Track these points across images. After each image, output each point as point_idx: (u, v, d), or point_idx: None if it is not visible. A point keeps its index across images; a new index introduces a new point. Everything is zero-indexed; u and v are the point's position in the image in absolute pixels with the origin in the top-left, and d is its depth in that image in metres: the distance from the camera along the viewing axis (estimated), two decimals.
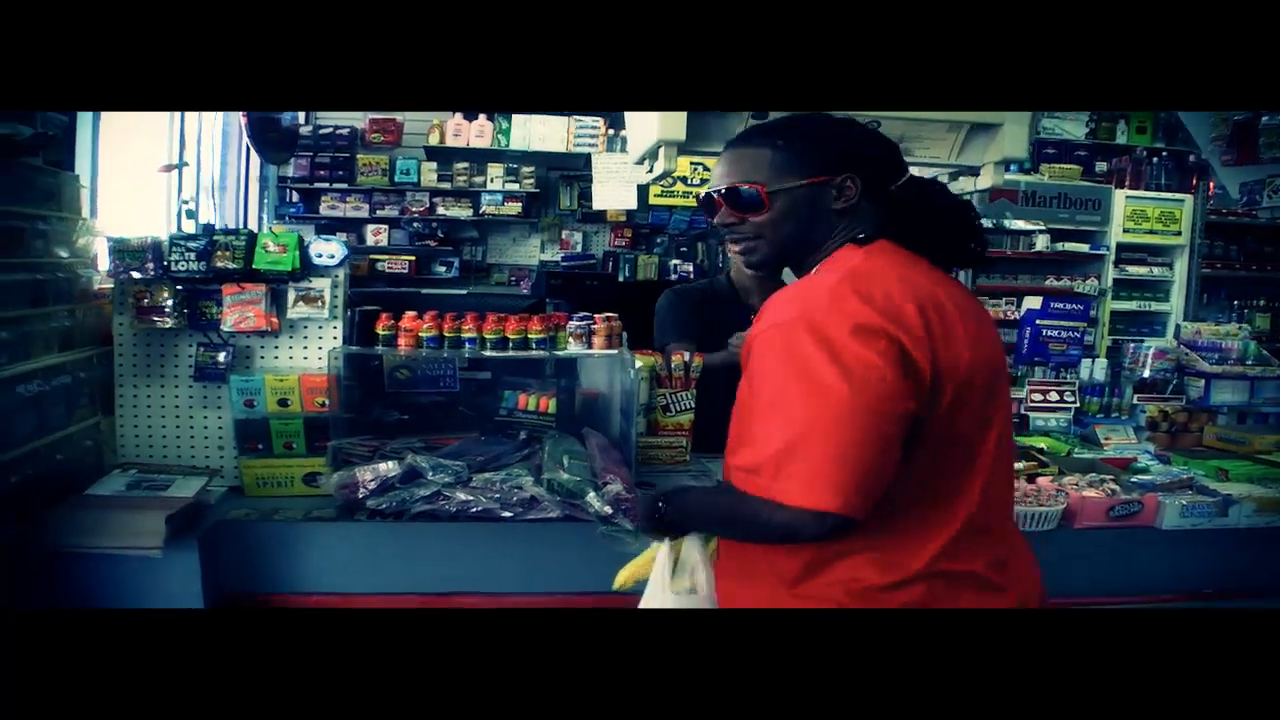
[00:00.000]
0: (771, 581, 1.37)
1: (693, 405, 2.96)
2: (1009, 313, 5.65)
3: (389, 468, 2.47)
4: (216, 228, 3.06)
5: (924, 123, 2.38)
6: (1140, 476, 2.92)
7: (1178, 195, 6.14)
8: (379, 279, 6.98)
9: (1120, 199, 5.94)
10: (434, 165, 7.02)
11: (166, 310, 2.70)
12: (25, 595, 2.24)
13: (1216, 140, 4.26)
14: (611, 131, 6.79)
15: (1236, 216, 6.11)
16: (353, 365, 2.83)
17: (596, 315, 2.79)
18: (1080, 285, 5.90)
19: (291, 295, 2.79)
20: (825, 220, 1.42)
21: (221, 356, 2.75)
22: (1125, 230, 5.94)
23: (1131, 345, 4.00)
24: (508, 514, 2.40)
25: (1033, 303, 3.86)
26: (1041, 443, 3.34)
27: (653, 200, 6.87)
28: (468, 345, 2.76)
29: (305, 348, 2.85)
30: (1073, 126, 6.92)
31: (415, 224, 7.27)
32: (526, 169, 7.10)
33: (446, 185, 7.06)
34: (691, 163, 6.61)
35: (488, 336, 2.76)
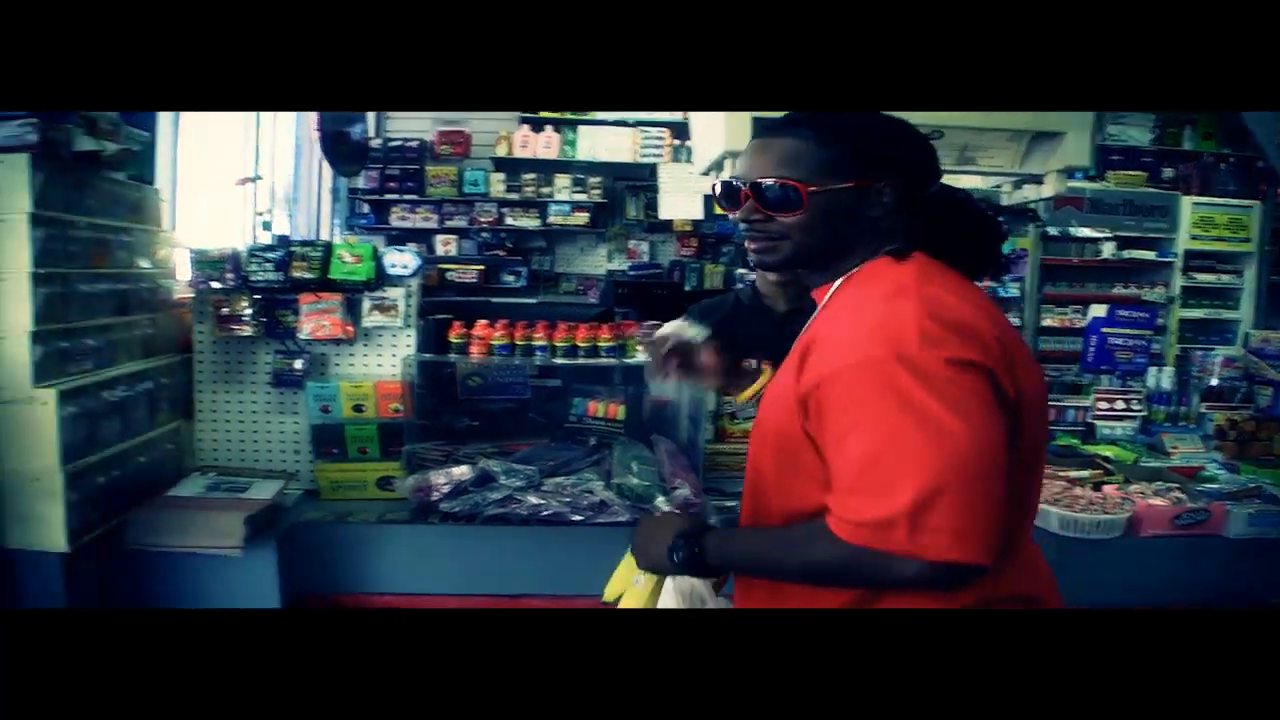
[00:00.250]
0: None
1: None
2: (1075, 321, 5.51)
3: (462, 472, 2.50)
4: (291, 239, 3.13)
5: (986, 131, 2.35)
6: (1207, 485, 2.87)
7: (1245, 201, 5.91)
8: (449, 288, 7.05)
9: (1187, 205, 5.74)
10: (502, 176, 7.08)
11: (245, 319, 2.77)
12: (108, 592, 2.31)
13: None
14: (677, 142, 6.78)
15: None
16: (426, 372, 2.88)
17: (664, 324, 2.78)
18: (1147, 293, 5.68)
19: (366, 304, 2.84)
20: (860, 227, 1.29)
21: (298, 363, 2.81)
22: (1193, 237, 5.73)
23: (1199, 354, 3.88)
24: (578, 517, 2.42)
25: (1099, 311, 3.80)
26: (1108, 451, 3.29)
27: (718, 210, 6.81)
28: (538, 353, 2.79)
29: (380, 355, 2.89)
30: (1138, 132, 6.69)
31: (484, 234, 7.34)
32: (593, 179, 7.12)
33: (514, 196, 7.11)
34: None
35: (558, 345, 2.79)
